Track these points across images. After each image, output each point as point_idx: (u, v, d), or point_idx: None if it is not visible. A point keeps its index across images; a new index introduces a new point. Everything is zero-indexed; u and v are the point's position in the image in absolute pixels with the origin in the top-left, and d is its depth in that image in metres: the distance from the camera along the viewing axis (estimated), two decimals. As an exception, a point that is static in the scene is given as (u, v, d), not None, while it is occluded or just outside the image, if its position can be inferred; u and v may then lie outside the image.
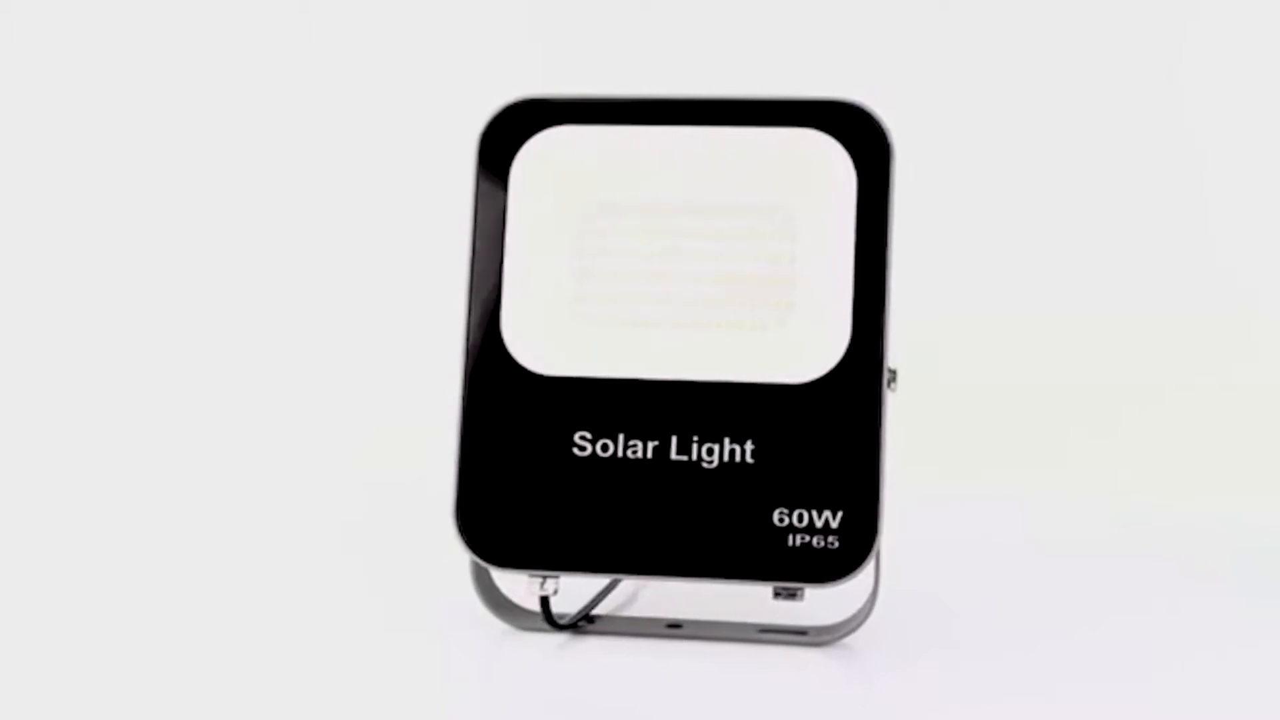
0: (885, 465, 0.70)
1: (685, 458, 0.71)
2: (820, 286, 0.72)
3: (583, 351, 0.72)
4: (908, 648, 0.72)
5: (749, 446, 0.71)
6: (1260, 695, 0.67)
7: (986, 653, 0.72)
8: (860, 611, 0.73)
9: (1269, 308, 1.20)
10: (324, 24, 1.23)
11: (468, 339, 0.73)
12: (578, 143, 0.73)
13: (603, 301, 0.73)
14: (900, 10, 1.23)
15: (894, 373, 0.71)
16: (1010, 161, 1.22)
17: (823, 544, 0.70)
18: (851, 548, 0.70)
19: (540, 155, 0.73)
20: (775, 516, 0.70)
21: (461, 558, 0.73)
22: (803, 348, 0.71)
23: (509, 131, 0.74)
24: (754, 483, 0.70)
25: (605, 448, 0.71)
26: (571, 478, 0.71)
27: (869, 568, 0.70)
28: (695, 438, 0.71)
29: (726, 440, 0.71)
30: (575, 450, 0.71)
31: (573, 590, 0.73)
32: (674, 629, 0.73)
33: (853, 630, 0.73)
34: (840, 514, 0.70)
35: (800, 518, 0.70)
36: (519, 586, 0.73)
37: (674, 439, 0.71)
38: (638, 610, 0.76)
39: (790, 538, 0.70)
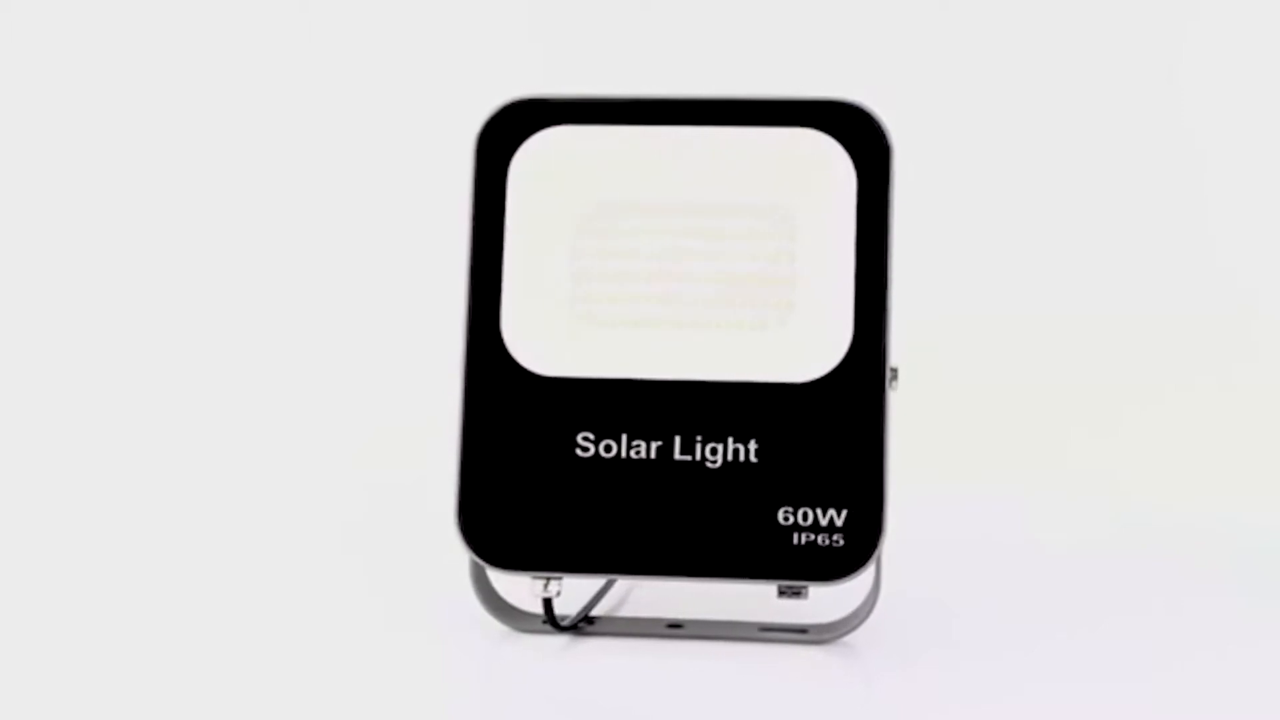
0: (889, 462, 0.70)
1: (689, 458, 0.71)
2: (821, 285, 0.72)
3: (584, 352, 0.72)
4: (908, 646, 0.72)
5: (753, 446, 0.71)
6: (1260, 695, 0.67)
7: (986, 651, 0.72)
8: (861, 609, 0.73)
9: (1269, 308, 1.20)
10: (321, 25, 1.23)
11: (468, 341, 0.72)
12: (576, 143, 0.73)
13: (603, 302, 0.73)
14: (899, 10, 1.23)
15: (895, 371, 0.71)
16: (1010, 162, 1.22)
17: (828, 542, 0.70)
18: (856, 545, 0.70)
19: (539, 155, 0.73)
20: (780, 515, 0.70)
21: (461, 559, 0.73)
22: (805, 347, 0.72)
23: (506, 132, 0.73)
24: (758, 482, 0.71)
25: (608, 448, 0.71)
26: (574, 479, 0.71)
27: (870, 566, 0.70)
28: (699, 437, 0.71)
29: (730, 440, 0.71)
30: (578, 451, 0.71)
31: (569, 591, 0.73)
32: (674, 629, 0.73)
33: (853, 628, 0.73)
34: (845, 512, 0.70)
35: (805, 516, 0.70)
36: (518, 588, 0.73)
37: (677, 439, 0.71)
38: (638, 611, 0.76)
39: (795, 536, 0.70)
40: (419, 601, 0.79)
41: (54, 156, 1.21)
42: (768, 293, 0.72)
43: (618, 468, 0.71)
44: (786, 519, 0.70)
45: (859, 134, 0.73)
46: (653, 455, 0.71)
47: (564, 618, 0.73)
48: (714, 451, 0.71)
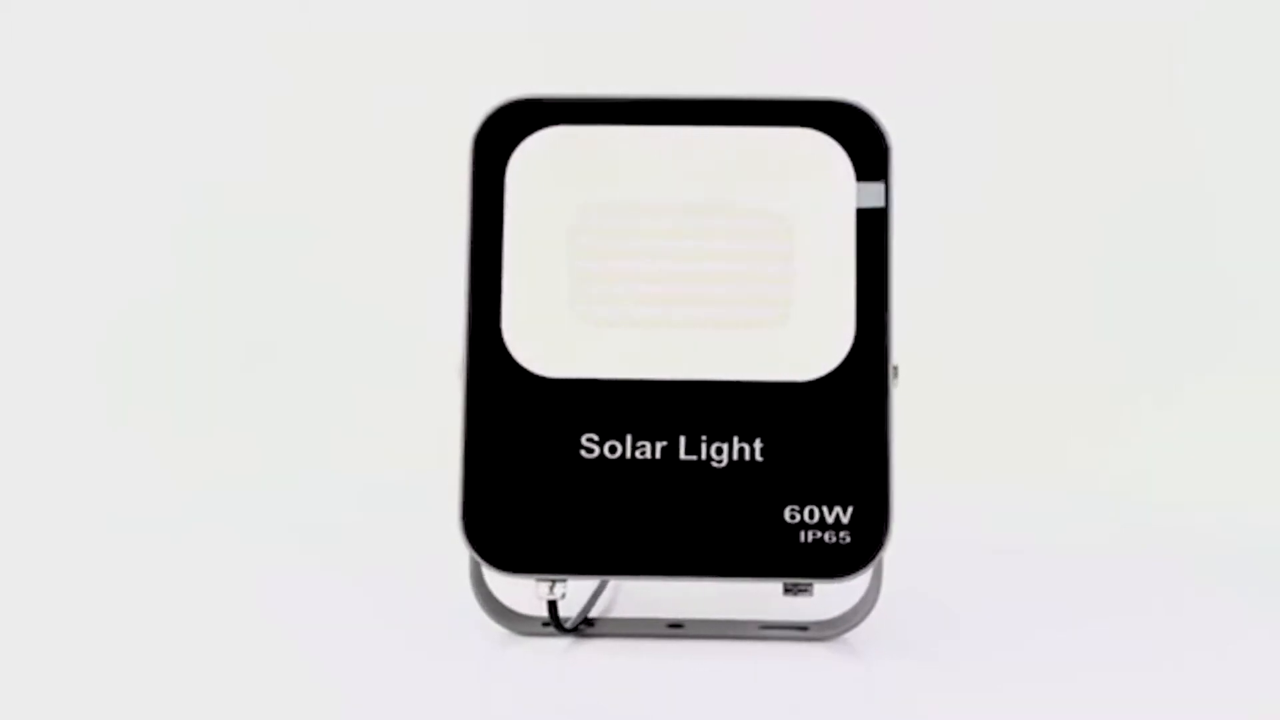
0: (894, 459, 0.71)
1: (694, 457, 0.71)
2: (822, 285, 0.72)
3: (586, 353, 0.72)
4: (908, 644, 0.72)
5: (758, 445, 0.71)
6: (1260, 695, 0.67)
7: (986, 649, 0.72)
8: (862, 607, 0.73)
9: (1269, 308, 1.20)
10: (320, 25, 1.23)
11: (469, 343, 0.72)
12: (575, 143, 0.73)
13: (604, 302, 0.73)
14: (897, 9, 1.23)
15: (895, 368, 0.71)
16: (1009, 163, 1.22)
17: (834, 539, 0.70)
18: (863, 542, 0.70)
19: (537, 156, 0.73)
20: (786, 514, 0.70)
21: (461, 560, 0.73)
22: (808, 345, 0.72)
23: (504, 132, 0.73)
24: (764, 481, 0.71)
25: (613, 449, 0.71)
26: (580, 480, 0.71)
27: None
28: (704, 437, 0.71)
29: (735, 439, 0.71)
30: (583, 452, 0.71)
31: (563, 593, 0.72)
32: (675, 629, 0.73)
33: (854, 626, 0.73)
34: (851, 509, 0.70)
35: (811, 514, 0.70)
36: (515, 591, 0.72)
37: (682, 439, 0.71)
38: (638, 611, 0.76)
39: (802, 534, 0.70)
40: (419, 605, 0.79)
41: (53, 156, 1.21)
42: (769, 292, 0.72)
43: (623, 468, 0.71)
44: (793, 517, 0.70)
45: (857, 134, 0.73)
46: (658, 456, 0.71)
47: (564, 620, 0.73)
48: (719, 451, 0.71)
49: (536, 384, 0.72)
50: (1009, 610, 0.78)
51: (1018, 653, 0.72)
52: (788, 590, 0.71)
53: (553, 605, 0.71)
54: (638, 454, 0.71)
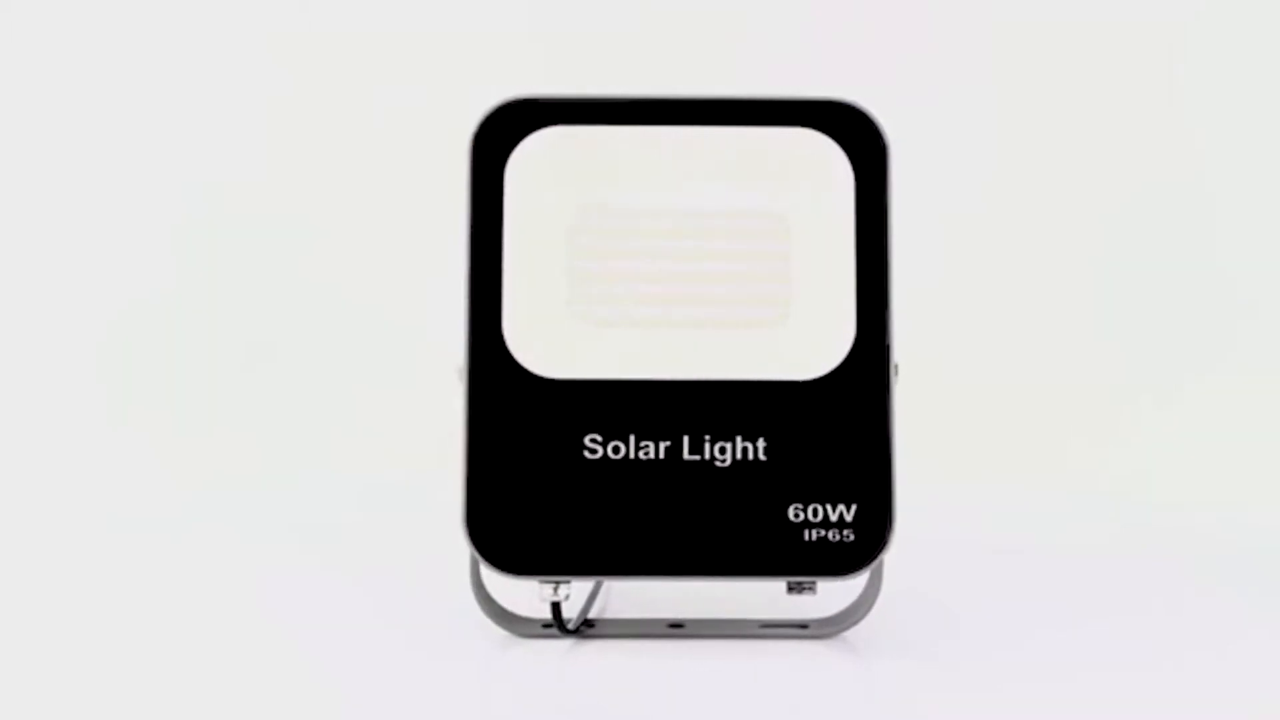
0: (896, 456, 0.71)
1: (698, 457, 0.71)
2: (822, 283, 0.72)
3: (588, 353, 0.72)
4: (909, 644, 0.72)
5: (761, 444, 0.71)
6: (1260, 695, 0.67)
7: (986, 649, 0.72)
8: (862, 605, 0.73)
9: (1269, 308, 1.20)
10: (319, 25, 1.23)
11: (470, 345, 0.72)
12: (574, 143, 0.73)
13: (605, 303, 0.72)
14: (897, 9, 1.23)
15: (895, 366, 0.72)
16: (1009, 162, 1.22)
17: (838, 537, 0.70)
18: (866, 539, 0.71)
19: (536, 156, 0.73)
20: (790, 512, 0.70)
21: (461, 561, 0.73)
22: (809, 344, 0.72)
23: (502, 132, 0.73)
24: (768, 480, 0.71)
25: (617, 450, 0.71)
26: (583, 481, 0.71)
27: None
28: (707, 437, 0.71)
29: (739, 438, 0.71)
30: (586, 453, 0.71)
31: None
32: (676, 629, 0.73)
33: (854, 624, 0.73)
34: (854, 507, 0.71)
35: (815, 512, 0.71)
36: (514, 593, 0.72)
37: (686, 439, 0.71)
38: (639, 612, 0.76)
39: (806, 532, 0.70)
40: (419, 605, 0.78)
41: (53, 156, 1.21)
42: (769, 291, 0.72)
43: (627, 469, 0.71)
44: (797, 516, 0.71)
45: (855, 133, 0.73)
46: (661, 456, 0.71)
47: (549, 622, 0.72)
48: (723, 450, 0.71)
49: (539, 385, 0.72)
50: (1009, 610, 0.78)
51: (1017, 652, 0.72)
52: (791, 589, 0.71)
53: (556, 607, 0.71)
54: (641, 454, 0.71)
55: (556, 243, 0.73)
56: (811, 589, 0.71)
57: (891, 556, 0.71)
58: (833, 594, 0.73)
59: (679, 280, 0.73)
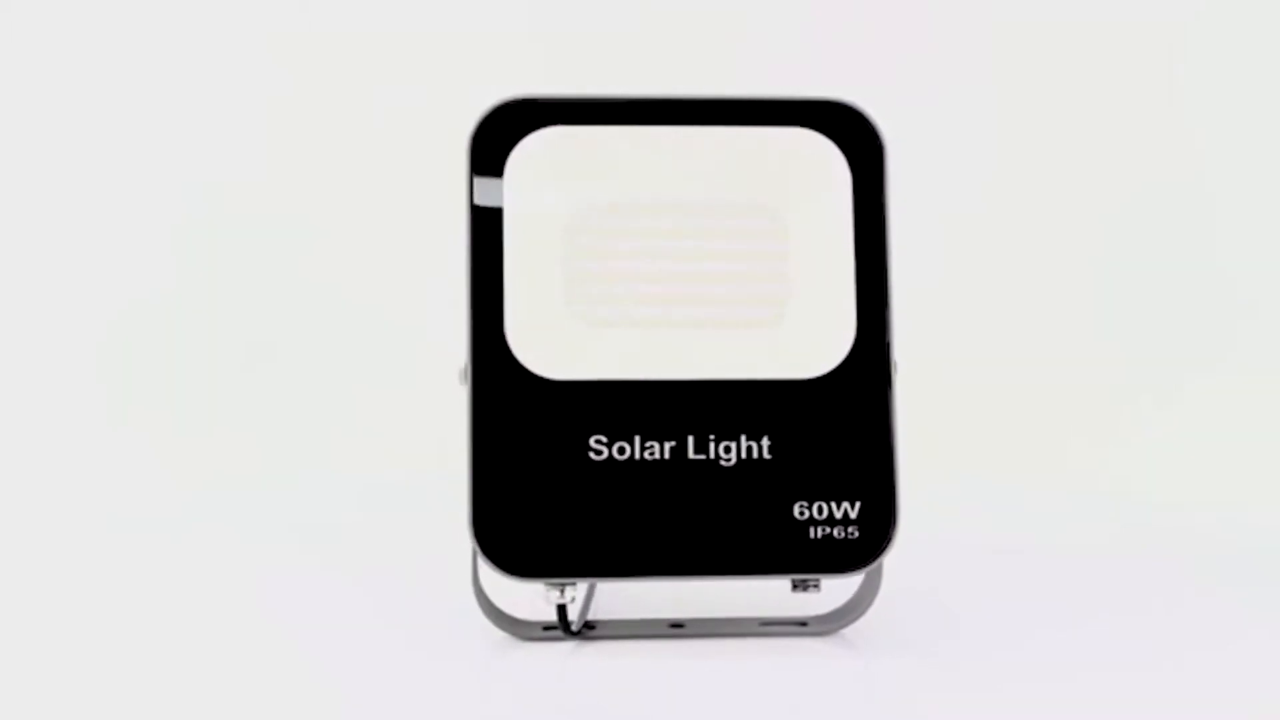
0: (899, 453, 0.71)
1: (703, 457, 0.71)
2: (822, 282, 0.72)
3: (592, 354, 0.72)
4: (909, 644, 0.73)
5: (765, 443, 0.71)
6: (1260, 695, 0.67)
7: (986, 648, 0.72)
8: (862, 602, 0.73)
9: (1269, 308, 1.20)
10: (319, 25, 1.23)
11: (473, 347, 0.71)
12: (574, 144, 0.73)
13: (607, 303, 0.72)
14: (897, 9, 1.23)
15: (895, 364, 0.72)
16: (1010, 162, 1.22)
17: (843, 534, 0.71)
18: (871, 536, 0.71)
19: (536, 156, 0.73)
20: (796, 510, 0.71)
21: (461, 560, 0.73)
22: (811, 343, 0.72)
23: (501, 132, 0.73)
24: (773, 478, 0.71)
25: (622, 450, 0.71)
26: (589, 482, 0.71)
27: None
28: (712, 436, 0.71)
29: (743, 437, 0.71)
30: (591, 454, 0.71)
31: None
32: (677, 628, 0.73)
33: (853, 621, 0.73)
34: (859, 504, 0.71)
35: (820, 510, 0.71)
36: (517, 595, 0.72)
37: (690, 438, 0.71)
38: (640, 612, 0.76)
39: (811, 530, 0.71)
40: (419, 605, 0.78)
41: (53, 157, 1.21)
42: (769, 291, 0.73)
43: (632, 469, 0.71)
44: (802, 513, 0.71)
45: (852, 133, 0.73)
46: (666, 456, 0.71)
47: (550, 625, 0.73)
48: (727, 450, 0.71)
49: (543, 387, 0.71)
50: (1009, 610, 0.78)
51: (1017, 652, 0.72)
52: (796, 587, 0.71)
53: (562, 609, 0.71)
54: (646, 454, 0.71)
55: (560, 244, 0.72)
56: (816, 586, 0.71)
57: (891, 556, 0.72)
58: (829, 591, 0.73)
59: (679, 280, 0.73)
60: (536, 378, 0.71)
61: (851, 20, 1.23)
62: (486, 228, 0.72)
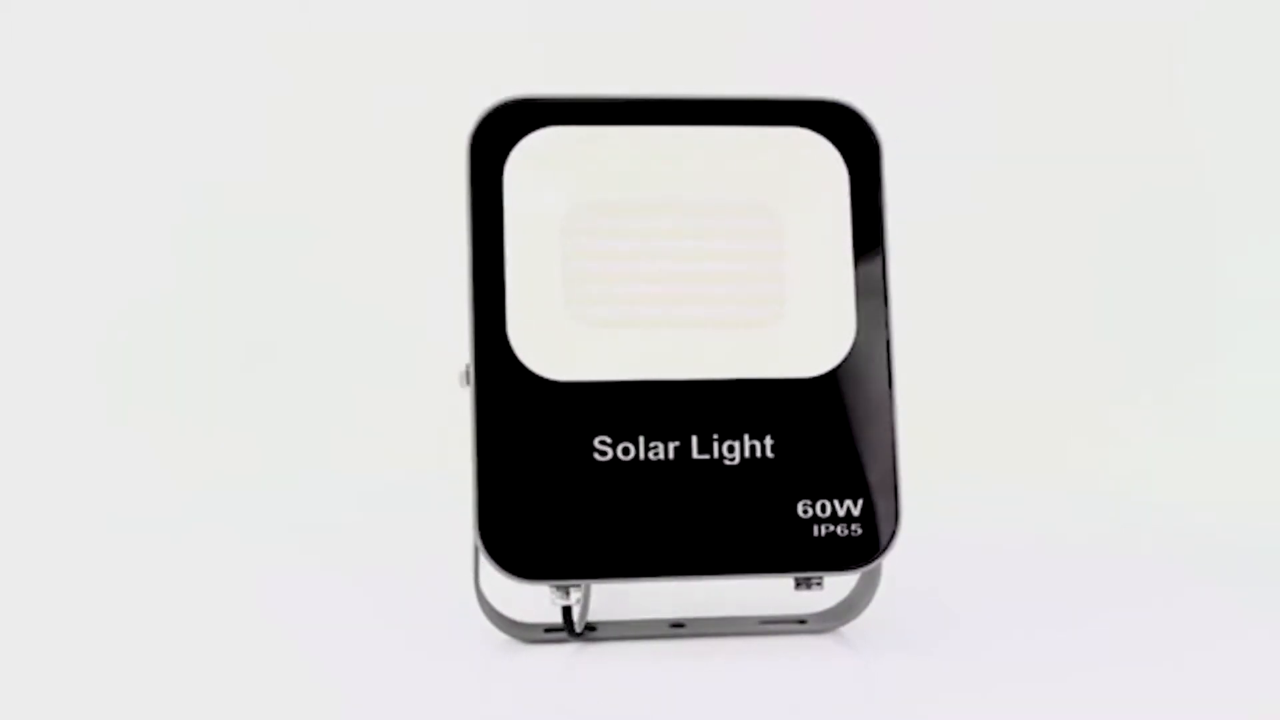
0: (900, 449, 0.71)
1: (707, 456, 0.71)
2: (822, 281, 0.73)
3: (595, 355, 0.72)
4: (910, 644, 0.73)
5: (768, 441, 0.71)
6: (1259, 694, 0.67)
7: (986, 648, 0.72)
8: (861, 599, 0.73)
9: (1269, 308, 1.20)
10: (319, 25, 1.23)
11: (476, 349, 0.71)
12: (573, 144, 0.73)
13: (609, 303, 0.72)
14: (897, 9, 1.23)
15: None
16: (1010, 162, 1.22)
17: (847, 532, 0.71)
18: (874, 533, 0.71)
19: (535, 157, 0.73)
20: (799, 508, 0.71)
21: (461, 560, 0.73)
22: (812, 342, 0.72)
23: (500, 133, 0.73)
24: (776, 477, 0.71)
25: (626, 451, 0.71)
26: (594, 483, 0.71)
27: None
28: (716, 436, 0.71)
29: (746, 436, 0.71)
30: (596, 456, 0.71)
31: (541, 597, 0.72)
32: (677, 628, 0.73)
33: (852, 618, 0.74)
34: (861, 501, 0.71)
35: (823, 508, 0.71)
36: (517, 597, 0.72)
37: (694, 438, 0.71)
38: (641, 613, 0.76)
39: (815, 528, 0.71)
40: (419, 605, 0.78)
41: (53, 157, 1.21)
42: (770, 290, 0.73)
43: (637, 470, 0.71)
44: (806, 512, 0.71)
45: (848, 132, 0.74)
46: (671, 456, 0.71)
47: (552, 627, 0.73)
48: (731, 449, 0.71)
49: (547, 388, 0.71)
50: (1008, 609, 0.78)
51: (1017, 651, 0.72)
52: (799, 585, 0.71)
53: (568, 611, 0.71)
54: (651, 455, 0.71)
55: (562, 245, 0.72)
56: (819, 584, 0.71)
57: (892, 555, 0.72)
58: (827, 588, 0.73)
59: (680, 280, 0.73)
60: (540, 379, 0.71)
61: (850, 20, 1.23)
62: (487, 229, 0.72)
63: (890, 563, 0.72)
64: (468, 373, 0.71)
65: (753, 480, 0.71)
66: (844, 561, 0.71)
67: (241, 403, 1.16)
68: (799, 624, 0.74)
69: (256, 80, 1.22)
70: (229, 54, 1.22)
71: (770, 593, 0.74)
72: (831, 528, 0.71)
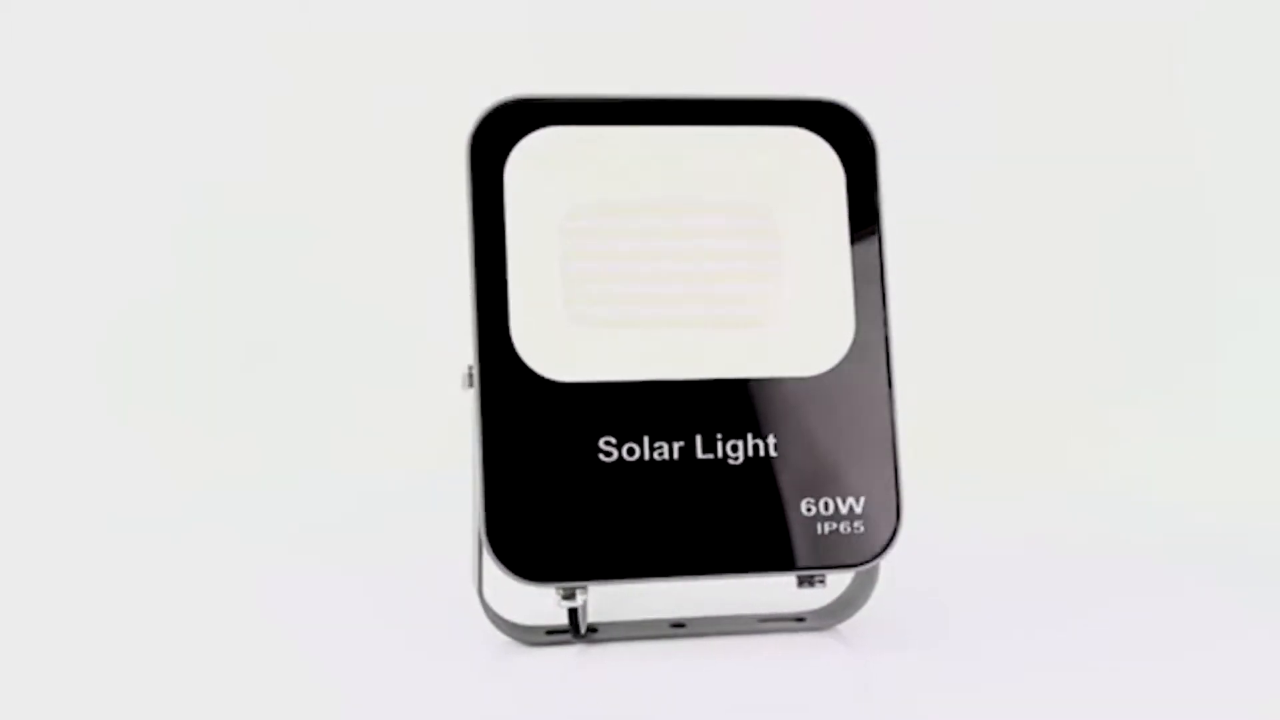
0: (900, 447, 0.72)
1: (711, 456, 0.71)
2: (820, 279, 0.73)
3: (599, 356, 0.72)
4: (910, 644, 0.73)
5: (771, 440, 0.71)
6: (1259, 694, 0.67)
7: (986, 648, 0.72)
8: (858, 597, 0.74)
9: (1268, 308, 1.20)
10: (319, 25, 1.23)
11: (480, 351, 0.71)
12: (573, 144, 0.73)
13: (610, 303, 0.72)
14: (898, 9, 1.23)
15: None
16: (1010, 162, 1.22)
17: (849, 529, 0.71)
18: (877, 530, 0.71)
19: (535, 157, 0.73)
20: (803, 507, 0.71)
21: (462, 561, 0.73)
22: (811, 341, 0.72)
23: (500, 133, 0.73)
24: (780, 475, 0.71)
25: (631, 451, 0.71)
26: (601, 484, 0.70)
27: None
28: (719, 435, 0.71)
29: (750, 435, 0.71)
30: (601, 456, 0.71)
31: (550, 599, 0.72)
32: (678, 628, 0.73)
33: (850, 615, 0.74)
34: (863, 498, 0.71)
35: (826, 506, 0.71)
36: (518, 599, 0.72)
37: (699, 438, 0.71)
38: (642, 613, 0.76)
39: (819, 526, 0.71)
40: (420, 605, 0.78)
41: (54, 157, 1.21)
42: (769, 289, 0.73)
43: (643, 470, 0.71)
44: (809, 510, 0.71)
45: (844, 132, 0.74)
46: (675, 456, 0.71)
47: (554, 629, 0.73)
48: (735, 448, 0.71)
49: (551, 390, 0.71)
50: (1007, 608, 0.78)
51: (1016, 651, 0.72)
52: (802, 582, 0.71)
53: (574, 613, 0.71)
54: (656, 455, 0.71)
55: (561, 244, 0.72)
56: (822, 582, 0.71)
57: (892, 555, 0.72)
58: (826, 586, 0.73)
59: (679, 279, 0.73)
60: (544, 380, 0.71)
61: (848, 21, 1.23)
62: (488, 230, 0.72)
63: (890, 562, 0.72)
64: (471, 375, 0.71)
65: (757, 479, 0.71)
66: (848, 558, 0.71)
67: (241, 403, 1.16)
68: (797, 621, 0.74)
69: (257, 80, 1.22)
70: (229, 54, 1.22)
71: (768, 592, 0.74)
72: (834, 525, 0.71)
